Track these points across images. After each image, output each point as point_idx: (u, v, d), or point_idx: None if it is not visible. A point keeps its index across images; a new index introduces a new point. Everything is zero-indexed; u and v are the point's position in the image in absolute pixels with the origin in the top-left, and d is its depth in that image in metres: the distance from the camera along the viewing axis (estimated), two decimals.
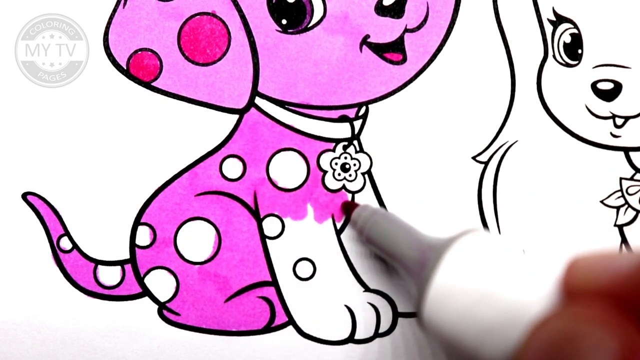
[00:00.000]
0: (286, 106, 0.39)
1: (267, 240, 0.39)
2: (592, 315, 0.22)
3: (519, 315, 0.25)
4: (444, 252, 0.29)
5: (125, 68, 0.39)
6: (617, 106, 0.40)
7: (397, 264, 0.34)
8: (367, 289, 0.40)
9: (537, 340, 0.23)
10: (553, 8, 0.40)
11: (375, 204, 0.40)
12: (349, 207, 0.39)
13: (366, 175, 0.40)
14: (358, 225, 0.37)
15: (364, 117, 0.40)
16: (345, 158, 0.40)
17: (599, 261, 0.24)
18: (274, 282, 0.39)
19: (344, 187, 0.40)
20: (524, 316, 0.25)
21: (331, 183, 0.40)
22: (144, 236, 0.39)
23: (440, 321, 0.28)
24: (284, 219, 0.39)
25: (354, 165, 0.40)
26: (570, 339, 0.21)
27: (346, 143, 0.40)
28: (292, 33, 0.39)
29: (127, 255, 0.39)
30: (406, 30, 0.39)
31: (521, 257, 0.28)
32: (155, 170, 0.39)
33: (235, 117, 0.39)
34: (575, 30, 0.40)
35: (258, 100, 0.39)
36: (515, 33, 0.40)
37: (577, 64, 0.40)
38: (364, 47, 0.39)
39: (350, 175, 0.40)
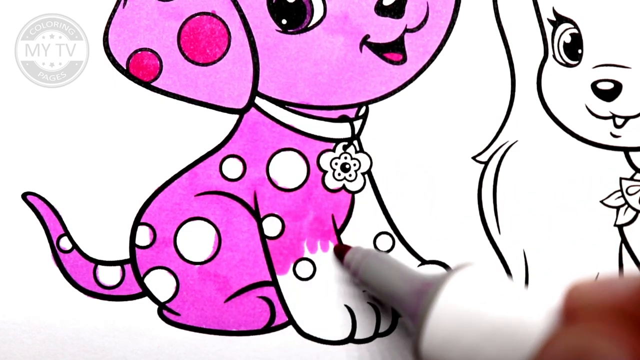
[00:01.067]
0: (286, 106, 0.39)
1: (267, 240, 0.39)
2: (601, 330, 0.22)
3: (523, 344, 0.25)
4: (438, 290, 0.28)
5: (125, 68, 0.39)
6: (617, 106, 0.40)
7: (393, 304, 0.34)
8: None
9: (548, 356, 0.23)
10: (553, 8, 0.40)
11: (376, 206, 0.40)
12: (341, 251, 0.39)
13: (366, 175, 0.40)
14: (351, 268, 0.37)
15: (364, 117, 0.40)
16: (345, 158, 0.40)
17: (599, 283, 0.25)
18: (274, 282, 0.39)
19: (344, 187, 0.40)
20: (528, 343, 0.25)
21: (331, 183, 0.40)
22: (144, 236, 0.39)
23: (440, 353, 0.27)
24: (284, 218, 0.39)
25: (354, 165, 0.40)
26: (582, 353, 0.21)
27: (346, 143, 0.40)
28: (292, 33, 0.39)
29: (127, 255, 0.39)
30: (406, 30, 0.39)
31: (517, 288, 0.28)
32: (155, 170, 0.39)
33: (235, 117, 0.39)
34: (575, 30, 0.40)
35: (258, 100, 0.39)
36: (515, 33, 0.40)
37: (577, 64, 0.40)
38: (364, 47, 0.39)
39: (350, 175, 0.40)
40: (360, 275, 0.36)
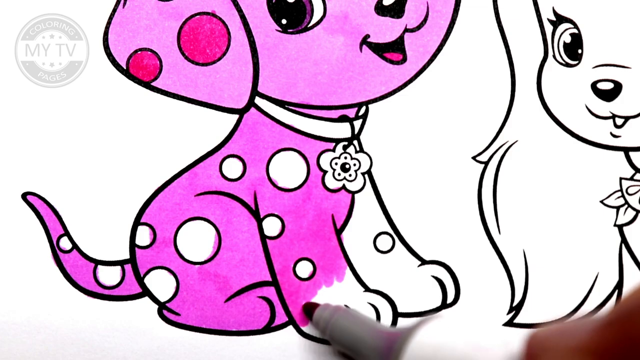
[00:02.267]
0: (286, 106, 0.39)
1: (267, 240, 0.39)
2: None
3: None
4: (405, 342, 0.29)
5: (125, 68, 0.39)
6: (617, 106, 0.40)
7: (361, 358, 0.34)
8: (367, 289, 0.40)
9: None
10: (553, 8, 0.40)
11: (376, 206, 0.40)
12: (309, 308, 0.39)
13: (366, 175, 0.40)
14: (320, 326, 0.37)
15: (364, 117, 0.40)
16: (345, 158, 0.40)
17: (559, 328, 0.25)
18: (274, 282, 0.39)
19: (344, 187, 0.40)
20: None
21: (331, 183, 0.40)
22: (144, 236, 0.39)
23: None
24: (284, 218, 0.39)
25: (354, 165, 0.40)
26: None
27: (346, 143, 0.40)
28: (292, 33, 0.39)
29: (127, 255, 0.39)
30: (406, 30, 0.39)
31: (479, 338, 0.28)
32: (155, 170, 0.39)
33: (235, 117, 0.39)
34: (575, 30, 0.40)
35: (258, 100, 0.39)
36: (515, 33, 0.40)
37: (577, 64, 0.40)
38: (364, 47, 0.39)
39: (350, 175, 0.40)
40: (329, 333, 0.36)
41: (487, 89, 0.40)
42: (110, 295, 0.39)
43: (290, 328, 0.39)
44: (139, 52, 0.39)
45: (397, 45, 0.39)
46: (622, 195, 0.41)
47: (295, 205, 0.39)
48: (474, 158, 0.40)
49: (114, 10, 0.39)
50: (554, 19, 0.40)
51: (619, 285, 0.41)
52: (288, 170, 0.39)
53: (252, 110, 0.39)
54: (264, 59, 0.39)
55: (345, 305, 0.39)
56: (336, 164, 0.40)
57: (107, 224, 0.39)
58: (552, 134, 0.40)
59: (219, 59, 0.39)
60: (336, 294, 0.40)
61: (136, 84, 0.39)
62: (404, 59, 0.40)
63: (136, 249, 0.39)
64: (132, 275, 0.39)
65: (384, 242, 0.40)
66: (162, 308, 0.39)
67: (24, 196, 0.39)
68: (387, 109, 0.40)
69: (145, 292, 0.39)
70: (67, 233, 0.39)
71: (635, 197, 0.41)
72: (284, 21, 0.39)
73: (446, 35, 0.40)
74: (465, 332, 0.28)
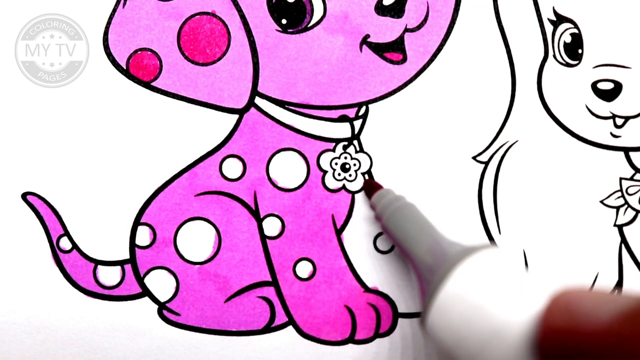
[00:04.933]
0: (286, 106, 0.39)
1: (267, 240, 0.39)
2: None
3: (507, 332, 0.28)
4: (455, 266, 0.30)
5: (125, 68, 0.39)
6: (617, 106, 0.40)
7: (407, 261, 0.35)
8: (367, 289, 0.40)
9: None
10: (553, 8, 0.40)
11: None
12: (370, 187, 0.39)
13: (366, 175, 0.40)
14: (377, 210, 0.37)
15: (364, 117, 0.40)
16: (345, 158, 0.40)
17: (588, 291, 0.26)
18: (274, 282, 0.39)
19: (344, 187, 0.40)
20: (511, 334, 0.28)
21: (331, 183, 0.40)
22: (144, 236, 0.39)
23: (441, 329, 0.30)
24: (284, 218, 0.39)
25: (354, 165, 0.40)
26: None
27: (346, 143, 0.40)
28: (292, 33, 0.39)
29: (127, 255, 0.39)
30: (406, 30, 0.39)
31: (522, 279, 0.30)
32: (155, 170, 0.39)
33: (235, 117, 0.39)
34: (576, 30, 0.40)
35: (258, 100, 0.39)
36: (515, 33, 0.40)
37: (577, 64, 0.40)
38: (364, 46, 0.39)
39: (350, 175, 0.40)
40: (384, 222, 0.37)
41: (487, 89, 0.40)
42: (110, 295, 0.39)
43: (290, 328, 0.40)
44: (139, 52, 0.39)
45: (397, 45, 0.39)
46: (622, 195, 0.41)
47: (295, 205, 0.39)
48: (474, 158, 0.40)
49: (114, 10, 0.39)
50: (554, 18, 0.40)
51: (619, 285, 0.41)
52: (288, 170, 0.39)
53: (252, 110, 0.39)
54: (264, 59, 0.39)
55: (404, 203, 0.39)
56: (336, 164, 0.40)
57: (107, 224, 0.39)
58: (552, 134, 0.40)
59: (219, 59, 0.39)
60: (336, 294, 0.40)
61: (136, 84, 0.39)
62: (404, 59, 0.40)
63: (136, 249, 0.39)
64: (132, 275, 0.39)
65: (384, 242, 0.40)
66: (162, 308, 0.39)
67: (24, 196, 0.39)
68: (387, 109, 0.40)
69: (145, 292, 0.39)
70: (67, 233, 0.39)
71: (635, 197, 0.41)
72: (284, 21, 0.39)
73: (446, 35, 0.40)
74: (508, 270, 0.30)
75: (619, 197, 0.41)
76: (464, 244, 0.33)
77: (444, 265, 0.31)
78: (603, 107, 0.40)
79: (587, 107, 0.40)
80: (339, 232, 0.40)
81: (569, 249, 0.40)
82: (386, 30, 0.39)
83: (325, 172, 0.40)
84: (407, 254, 0.35)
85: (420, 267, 0.33)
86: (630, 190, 0.41)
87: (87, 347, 0.39)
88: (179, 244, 0.39)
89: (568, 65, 0.40)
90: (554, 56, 0.40)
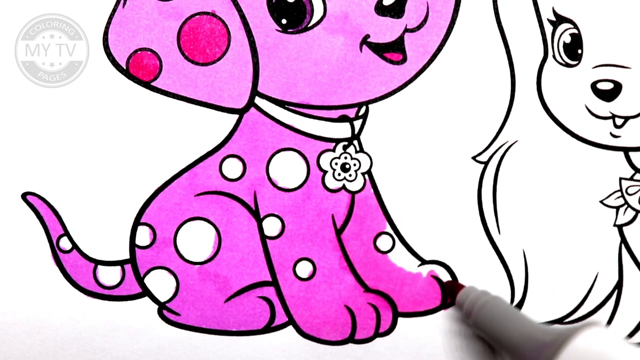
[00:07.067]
0: (286, 106, 0.39)
1: (267, 240, 0.39)
2: None
3: None
4: (563, 344, 0.29)
5: (125, 68, 0.39)
6: (617, 106, 0.40)
7: (505, 350, 0.34)
8: (367, 289, 0.40)
9: None
10: (553, 8, 0.40)
11: (376, 206, 0.40)
12: (453, 288, 0.39)
13: (366, 175, 0.40)
14: (465, 308, 0.37)
15: (364, 117, 0.40)
16: (345, 158, 0.40)
17: None
18: (274, 282, 0.39)
19: (344, 187, 0.40)
20: None
21: (331, 183, 0.40)
22: (144, 236, 0.39)
23: None
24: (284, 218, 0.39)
25: (354, 165, 0.40)
26: None
27: (346, 143, 0.40)
28: (292, 33, 0.39)
29: (127, 255, 0.39)
30: (406, 30, 0.39)
31: (635, 354, 0.29)
32: (155, 170, 0.39)
33: (235, 117, 0.39)
34: (575, 31, 0.40)
35: (258, 100, 0.39)
36: (515, 33, 0.40)
37: (577, 64, 0.40)
38: (364, 47, 0.39)
39: (350, 175, 0.40)
40: (474, 317, 0.36)
41: (487, 89, 0.40)
42: (110, 295, 0.39)
43: (290, 328, 0.40)
44: (139, 52, 0.39)
45: (397, 45, 0.39)
46: (622, 195, 0.41)
47: (295, 205, 0.39)
48: (474, 158, 0.40)
49: (114, 10, 0.39)
50: (553, 19, 0.40)
51: (619, 285, 0.41)
52: (288, 170, 0.39)
53: (252, 110, 0.39)
54: (264, 59, 0.39)
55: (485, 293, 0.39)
56: (336, 164, 0.40)
57: (107, 224, 0.39)
58: (552, 134, 0.40)
59: (219, 59, 0.39)
60: (336, 294, 0.40)
61: (136, 84, 0.39)
62: (404, 59, 0.40)
63: (136, 249, 0.39)
64: (132, 275, 0.39)
65: (384, 242, 0.40)
66: (162, 308, 0.39)
67: (24, 196, 0.39)
68: (387, 109, 0.40)
69: (145, 292, 0.39)
70: (67, 233, 0.39)
71: (635, 197, 0.41)
72: (284, 21, 0.39)
73: (446, 35, 0.40)
74: (618, 350, 0.29)
75: (618, 197, 0.41)
76: (557, 327, 0.32)
77: (551, 349, 0.30)
78: (603, 107, 0.40)
79: (586, 107, 0.40)
80: (339, 232, 0.40)
81: (569, 249, 0.40)
82: (386, 30, 0.39)
83: (325, 172, 0.40)
84: (506, 345, 0.34)
85: (522, 351, 0.32)
86: (630, 190, 0.41)
87: (87, 347, 0.39)
88: (179, 244, 0.39)
89: (568, 65, 0.40)
90: (554, 56, 0.40)
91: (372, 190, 0.40)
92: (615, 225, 0.41)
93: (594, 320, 0.31)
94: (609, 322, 0.41)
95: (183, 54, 0.39)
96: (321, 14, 0.39)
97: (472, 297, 0.37)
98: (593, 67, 0.40)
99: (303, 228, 0.39)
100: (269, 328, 0.39)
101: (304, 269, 0.40)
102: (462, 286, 0.39)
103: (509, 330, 0.34)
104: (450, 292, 0.39)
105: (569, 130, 0.40)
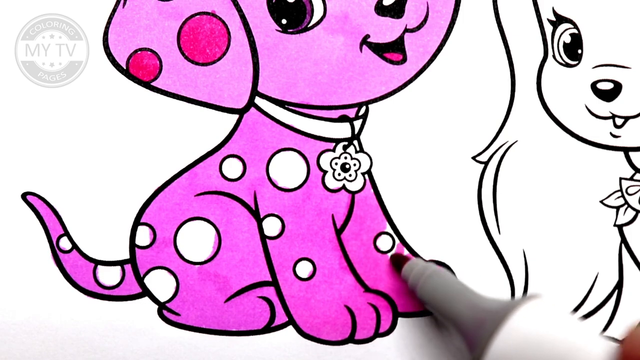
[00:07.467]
0: (286, 106, 0.39)
1: (267, 240, 0.39)
2: None
3: None
4: (503, 319, 0.29)
5: (125, 68, 0.39)
6: (617, 106, 0.40)
7: (449, 323, 0.35)
8: (367, 289, 0.40)
9: None
10: (553, 8, 0.40)
11: (376, 206, 0.40)
12: (398, 261, 0.39)
13: (366, 175, 0.40)
14: (410, 282, 0.37)
15: (364, 117, 0.40)
16: (345, 158, 0.40)
17: None
18: (274, 282, 0.39)
19: (344, 187, 0.40)
20: None
21: (331, 183, 0.40)
22: (144, 236, 0.39)
23: None
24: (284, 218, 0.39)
25: (354, 165, 0.40)
26: None
27: (346, 143, 0.40)
28: (292, 33, 0.39)
29: (127, 255, 0.39)
30: (406, 30, 0.39)
31: (578, 327, 0.29)
32: (155, 170, 0.39)
33: (235, 117, 0.39)
34: (575, 31, 0.40)
35: (258, 100, 0.39)
36: (515, 33, 0.40)
37: (577, 64, 0.40)
38: (364, 47, 0.39)
39: (350, 175, 0.40)
40: (419, 290, 0.36)
41: (487, 89, 0.40)
42: (110, 295, 0.39)
43: (290, 328, 0.39)
44: (139, 52, 0.39)
45: (397, 45, 0.39)
46: (622, 195, 0.41)
47: (295, 205, 0.39)
48: (474, 158, 0.40)
49: (114, 10, 0.39)
50: (553, 19, 0.40)
51: (619, 285, 0.41)
52: (288, 170, 0.39)
53: (252, 110, 0.39)
54: (264, 59, 0.39)
55: (436, 262, 0.39)
56: (336, 164, 0.40)
57: (107, 224, 0.39)
58: (552, 134, 0.40)
59: (219, 59, 0.39)
60: (336, 294, 0.40)
61: (136, 84, 0.39)
62: (404, 59, 0.40)
63: (136, 249, 0.39)
64: (132, 275, 0.39)
65: (384, 242, 0.40)
66: (162, 308, 0.39)
67: (24, 196, 0.39)
68: (387, 109, 0.40)
69: (145, 292, 0.39)
70: (67, 233, 0.39)
71: (635, 197, 0.41)
72: (284, 21, 0.39)
73: (446, 35, 0.40)
74: (561, 323, 0.29)
75: (618, 197, 0.41)
76: (500, 300, 0.33)
77: (492, 319, 0.30)
78: (603, 107, 0.40)
79: (586, 107, 0.40)
80: (339, 232, 0.40)
81: (569, 249, 0.40)
82: (386, 30, 0.39)
83: (325, 172, 0.40)
84: (449, 317, 0.34)
85: (464, 326, 0.33)
86: (630, 190, 0.41)
87: (87, 347, 0.39)
88: (179, 244, 0.39)
89: (568, 65, 0.40)
90: (554, 56, 0.40)
91: (372, 190, 0.40)
92: (615, 225, 0.41)
93: (537, 292, 0.31)
94: (609, 322, 0.41)
95: (183, 54, 0.39)
96: (321, 14, 0.39)
97: (416, 271, 0.37)
98: (593, 67, 0.40)
99: (303, 228, 0.39)
100: (269, 328, 0.39)
101: (304, 269, 0.40)
102: (407, 259, 0.39)
103: (453, 302, 0.34)
104: (396, 265, 0.39)
105: (569, 130, 0.40)
